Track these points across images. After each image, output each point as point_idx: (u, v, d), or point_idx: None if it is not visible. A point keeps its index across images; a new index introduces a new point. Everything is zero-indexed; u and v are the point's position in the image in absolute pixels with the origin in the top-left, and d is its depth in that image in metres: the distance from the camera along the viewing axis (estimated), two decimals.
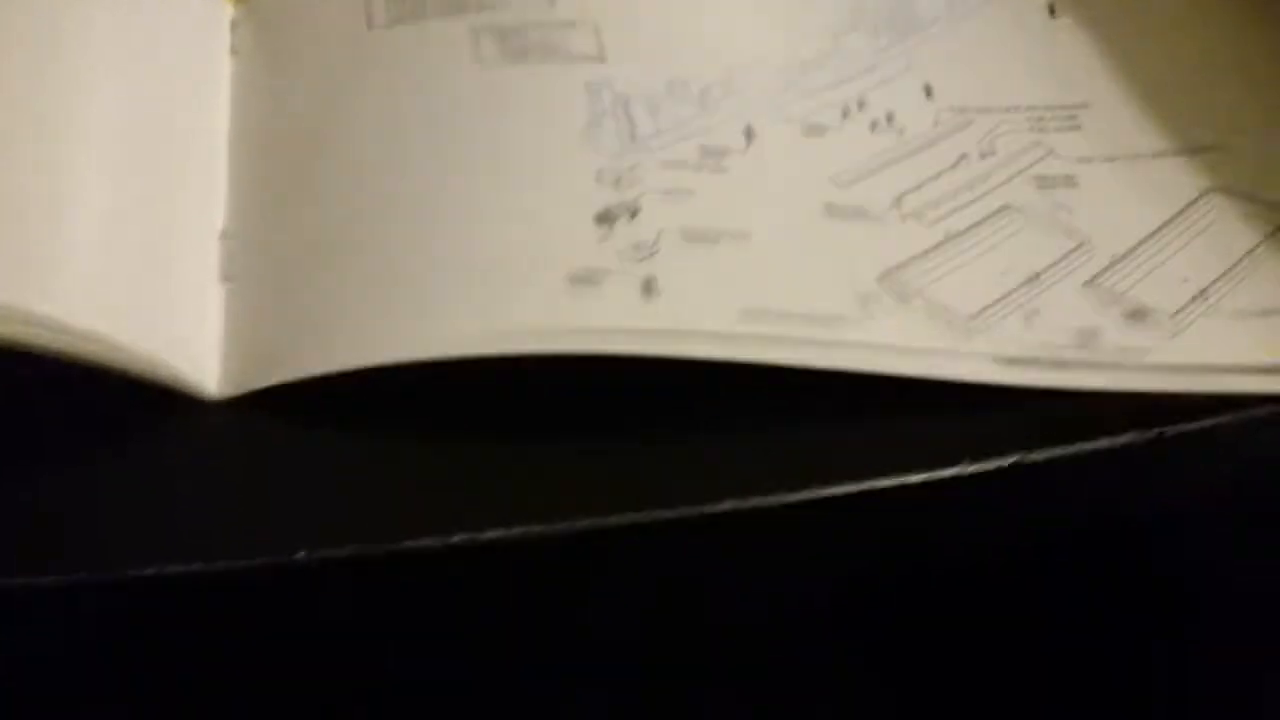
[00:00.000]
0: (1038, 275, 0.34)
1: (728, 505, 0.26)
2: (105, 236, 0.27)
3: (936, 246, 0.34)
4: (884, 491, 0.27)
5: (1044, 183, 0.37)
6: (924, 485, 0.27)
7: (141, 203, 0.28)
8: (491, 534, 0.25)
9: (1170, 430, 0.29)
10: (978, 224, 0.35)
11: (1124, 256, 0.35)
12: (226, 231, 0.30)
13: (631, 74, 0.35)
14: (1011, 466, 0.28)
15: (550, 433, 0.28)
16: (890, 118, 0.37)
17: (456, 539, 0.25)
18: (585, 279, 0.30)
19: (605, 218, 0.31)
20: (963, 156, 0.37)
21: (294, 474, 0.26)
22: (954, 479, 0.28)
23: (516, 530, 0.26)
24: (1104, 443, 0.28)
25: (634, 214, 0.32)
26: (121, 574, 0.24)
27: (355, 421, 0.27)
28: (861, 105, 0.37)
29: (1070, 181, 0.37)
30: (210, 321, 0.28)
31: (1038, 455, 0.28)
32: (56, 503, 0.25)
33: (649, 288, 0.30)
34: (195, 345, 0.28)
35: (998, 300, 0.34)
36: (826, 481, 0.27)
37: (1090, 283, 0.35)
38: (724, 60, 0.36)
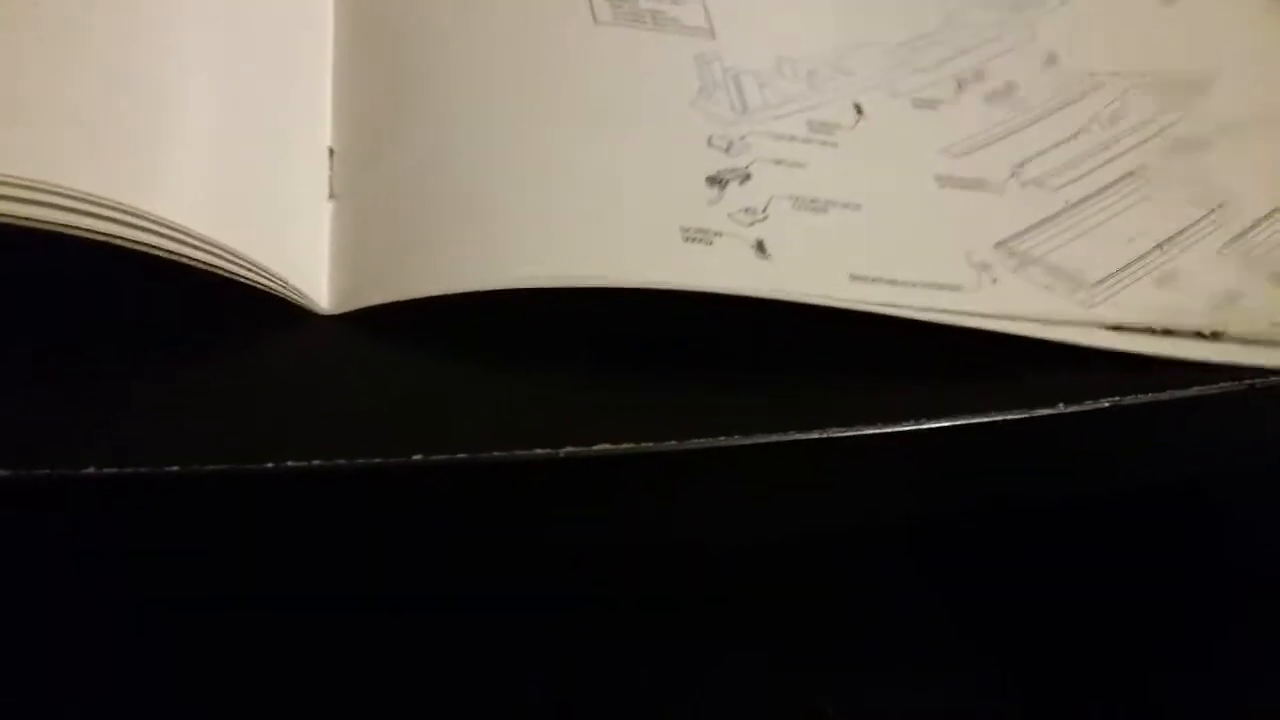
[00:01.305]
0: (1168, 240, 0.33)
1: (835, 433, 0.26)
2: (218, 148, 0.27)
3: (1057, 215, 0.34)
4: (983, 427, 0.27)
5: (1179, 146, 0.36)
6: (1021, 423, 0.27)
7: (251, 118, 0.29)
8: (599, 448, 0.25)
9: (1261, 383, 0.29)
10: (1100, 191, 0.35)
11: (1265, 219, 0.34)
12: (333, 150, 0.31)
13: (740, 51, 0.36)
14: (1105, 410, 0.28)
15: (667, 359, 0.28)
16: (1011, 87, 0.37)
17: (564, 451, 0.25)
18: (698, 237, 0.30)
19: (717, 180, 0.32)
20: (1091, 120, 0.36)
21: (401, 389, 0.27)
22: (1049, 419, 0.28)
23: (624, 446, 0.26)
24: (1195, 391, 0.28)
25: (745, 179, 0.32)
26: (234, 467, 0.24)
27: (461, 339, 0.28)
28: (980, 76, 0.37)
29: (1206, 144, 0.36)
30: (320, 238, 0.29)
31: (1131, 400, 0.28)
32: (165, 403, 0.25)
33: (760, 249, 0.30)
34: (306, 261, 0.28)
35: (1126, 266, 0.33)
36: (927, 416, 0.27)
37: (1229, 245, 0.33)
38: (832, 41, 0.37)
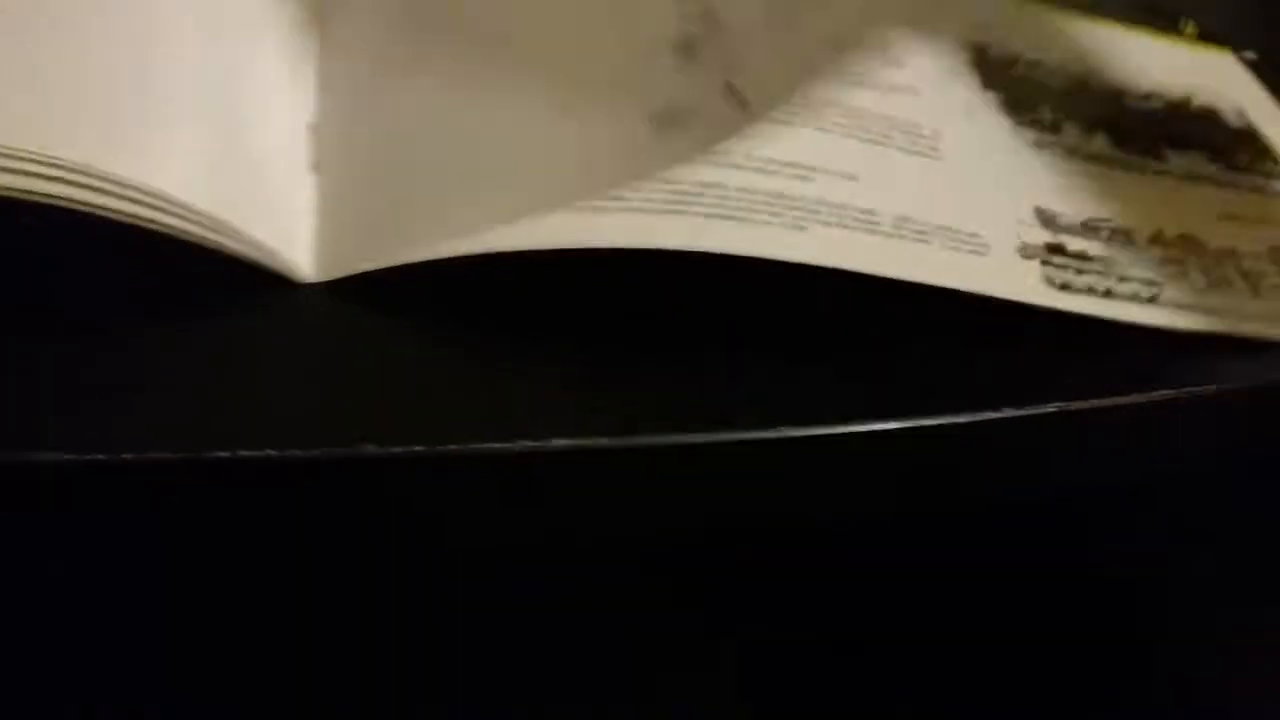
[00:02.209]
0: None
1: (791, 432, 0.26)
2: (200, 118, 0.26)
3: None
4: (979, 424, 0.27)
5: None
6: (1016, 420, 0.27)
7: (233, 90, 0.28)
8: (605, 441, 0.25)
9: (1227, 387, 0.29)
10: None
11: None
12: (314, 123, 0.28)
13: None
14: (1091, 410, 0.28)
15: (644, 340, 0.27)
16: None
17: (557, 443, 0.24)
18: (670, 119, 0.27)
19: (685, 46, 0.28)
20: None
21: (380, 360, 0.25)
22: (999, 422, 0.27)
23: (612, 439, 0.25)
24: (1166, 394, 0.29)
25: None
26: (197, 455, 0.22)
27: (446, 310, 0.26)
28: None
29: None
30: (303, 208, 0.27)
31: (1104, 402, 0.28)
32: (142, 376, 0.23)
33: (740, 104, 0.27)
34: (288, 231, 0.26)
35: None
36: (888, 416, 0.27)
37: None
38: None
